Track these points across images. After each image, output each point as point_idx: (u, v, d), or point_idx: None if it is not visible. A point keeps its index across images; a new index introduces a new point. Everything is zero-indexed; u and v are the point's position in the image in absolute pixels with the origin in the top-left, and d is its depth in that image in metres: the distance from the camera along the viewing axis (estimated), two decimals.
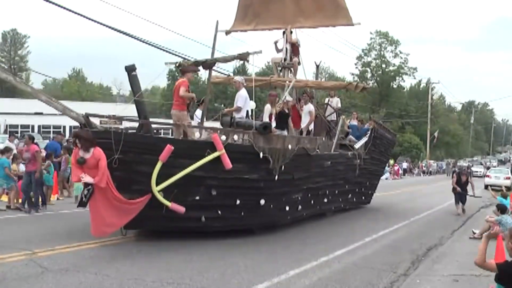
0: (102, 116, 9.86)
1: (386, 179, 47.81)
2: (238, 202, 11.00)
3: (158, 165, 9.65)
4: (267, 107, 13.50)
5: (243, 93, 12.42)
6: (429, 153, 74.81)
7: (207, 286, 7.61)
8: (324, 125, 17.49)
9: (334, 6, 16.02)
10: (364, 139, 17.42)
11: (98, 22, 14.87)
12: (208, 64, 11.99)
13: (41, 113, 45.20)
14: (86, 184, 9.45)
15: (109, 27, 15.19)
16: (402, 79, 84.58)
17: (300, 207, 13.14)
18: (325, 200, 14.74)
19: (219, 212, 10.85)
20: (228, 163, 10.26)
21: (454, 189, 19.42)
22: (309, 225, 13.70)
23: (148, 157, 9.67)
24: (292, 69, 15.94)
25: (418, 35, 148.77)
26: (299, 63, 16.02)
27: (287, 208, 12.49)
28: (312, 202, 13.78)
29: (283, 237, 11.83)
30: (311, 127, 15.62)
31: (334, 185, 15.08)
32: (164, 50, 17.07)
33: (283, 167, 11.46)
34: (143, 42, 16.61)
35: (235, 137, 10.72)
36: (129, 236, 10.78)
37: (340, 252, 10.51)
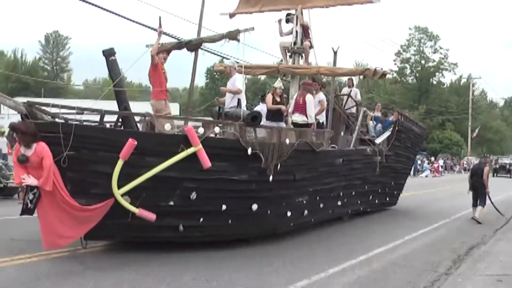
0: (48, 105, 8.02)
1: (426, 176, 46.55)
2: (224, 207, 9.04)
3: (119, 164, 7.78)
4: (310, 98, 11.54)
5: (239, 77, 10.47)
6: (470, 150, 71.17)
7: (246, 283, 7.45)
8: (343, 119, 15.37)
9: None
10: (386, 133, 15.16)
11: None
12: (193, 45, 10.04)
13: None
14: (30, 188, 7.71)
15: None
16: (442, 75, 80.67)
17: (306, 212, 11.06)
18: (339, 203, 12.59)
19: (201, 219, 8.92)
20: (206, 161, 8.31)
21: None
22: (344, 224, 13.28)
23: (106, 154, 7.82)
24: (303, 54, 13.81)
25: (458, 30, 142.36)
26: (310, 47, 13.89)
27: (289, 214, 10.44)
28: (321, 205, 11.67)
29: (318, 236, 11.39)
30: (323, 119, 13.49)
31: (349, 185, 12.91)
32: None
33: (279, 166, 9.41)
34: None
35: (217, 129, 8.71)
36: None
37: (379, 251, 10.12)
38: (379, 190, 15.34)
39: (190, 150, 8.24)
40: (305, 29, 14.09)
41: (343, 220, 13.58)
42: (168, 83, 9.98)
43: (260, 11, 14.26)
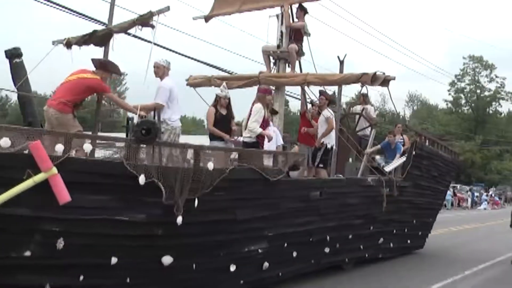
0: None
1: (485, 209, 42.76)
2: (113, 261, 5.85)
3: None
4: (256, 107, 8.34)
5: (166, 82, 7.36)
6: None
7: None
8: (352, 142, 11.92)
9: None
10: (400, 160, 11.48)
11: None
12: (100, 37, 7.01)
13: None
14: None
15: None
16: (499, 104, 74.72)
17: (266, 264, 7.63)
18: (326, 249, 9.04)
19: (81, 277, 5.75)
20: (62, 194, 5.17)
21: None
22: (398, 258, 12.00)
23: None
24: (288, 59, 10.52)
25: None
26: (299, 52, 10.59)
27: (234, 268, 7.07)
28: (295, 254, 8.19)
29: (375, 270, 10.43)
30: (332, 142, 10.17)
31: (343, 226, 9.33)
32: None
33: (196, 202, 6.11)
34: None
35: (87, 147, 5.52)
36: None
37: (437, 286, 9.24)
38: (394, 231, 11.59)
39: (39, 177, 5.15)
40: (297, 31, 10.84)
41: (344, 268, 10.02)
42: None
43: (239, 11, 11.16)
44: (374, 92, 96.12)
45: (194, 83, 11.39)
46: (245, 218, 6.97)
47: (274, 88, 10.55)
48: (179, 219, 5.92)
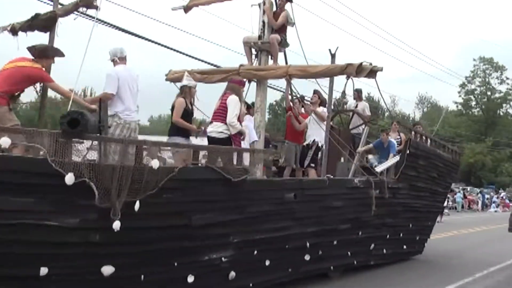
0: None
1: (495, 211, 41.92)
2: (43, 271, 5.02)
3: None
4: (233, 99, 7.54)
5: (115, 69, 6.54)
6: None
7: None
8: (344, 141, 11.08)
9: None
10: (392, 160, 10.54)
11: None
12: (44, 21, 6.22)
13: None
14: None
15: None
16: (510, 106, 73.16)
17: (233, 274, 6.75)
18: (307, 257, 8.14)
19: None
20: None
21: None
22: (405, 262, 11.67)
23: None
24: (270, 51, 9.64)
25: None
26: (282, 43, 9.70)
27: (191, 279, 6.21)
28: (267, 263, 7.31)
29: (380, 274, 10.03)
30: (322, 141, 9.40)
31: (326, 231, 8.42)
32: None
33: (138, 205, 5.26)
34: None
35: (4, 141, 4.71)
36: None
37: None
38: (388, 236, 10.65)
39: None
40: (283, 26, 9.95)
41: (330, 276, 9.13)
42: None
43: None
44: (384, 94, 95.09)
45: (174, 77, 10.49)
46: (203, 223, 6.10)
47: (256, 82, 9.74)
48: (116, 224, 5.07)
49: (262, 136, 9.31)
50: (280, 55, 10.11)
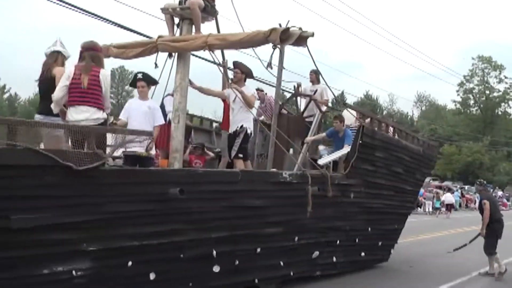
0: None
1: None
2: None
3: None
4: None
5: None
6: None
7: None
8: (294, 129, 9.43)
9: None
10: (341, 151, 8.78)
11: None
12: None
13: None
14: None
15: None
16: (508, 105, 71.58)
17: None
18: (216, 269, 6.37)
19: None
20: None
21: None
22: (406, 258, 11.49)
23: None
24: (191, 19, 7.85)
25: None
26: (207, 10, 7.90)
27: None
28: (152, 277, 5.57)
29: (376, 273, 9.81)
30: (251, 127, 7.71)
31: (243, 237, 6.67)
32: None
33: None
34: None
35: None
36: None
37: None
38: (338, 242, 8.87)
39: None
40: None
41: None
42: None
43: None
44: (382, 92, 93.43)
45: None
46: (31, 225, 4.39)
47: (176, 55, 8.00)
48: None
49: (182, 121, 7.60)
50: (211, 26, 8.42)
